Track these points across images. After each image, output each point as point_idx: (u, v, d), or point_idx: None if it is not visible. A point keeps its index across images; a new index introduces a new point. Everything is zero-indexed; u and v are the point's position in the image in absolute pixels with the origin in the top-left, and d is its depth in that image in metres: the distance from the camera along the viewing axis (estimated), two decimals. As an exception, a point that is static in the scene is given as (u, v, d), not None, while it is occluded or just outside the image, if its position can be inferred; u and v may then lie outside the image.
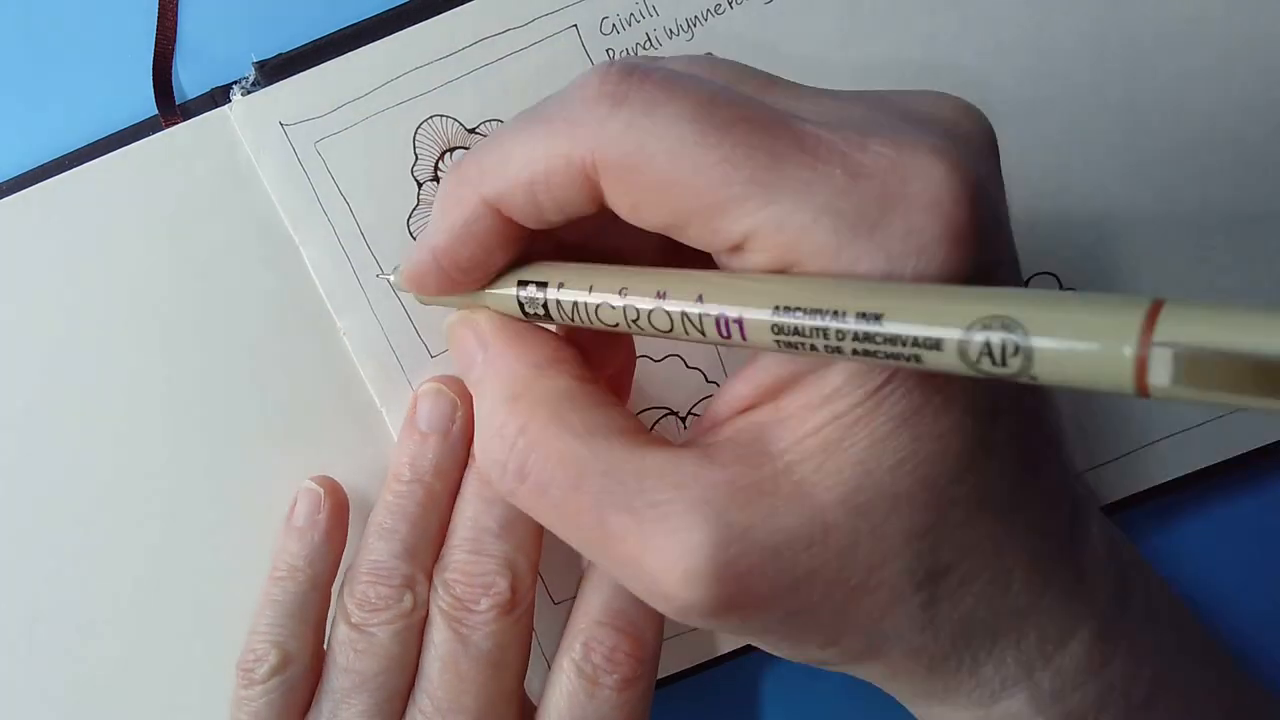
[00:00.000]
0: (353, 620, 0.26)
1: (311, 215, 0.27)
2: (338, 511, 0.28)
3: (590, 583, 0.26)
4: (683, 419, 0.29)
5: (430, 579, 0.27)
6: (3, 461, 0.29)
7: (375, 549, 0.26)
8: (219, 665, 0.28)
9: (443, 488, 0.27)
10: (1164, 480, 0.29)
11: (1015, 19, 0.26)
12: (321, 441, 0.29)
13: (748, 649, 0.30)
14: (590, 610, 0.26)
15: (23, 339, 0.28)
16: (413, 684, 0.27)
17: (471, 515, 0.26)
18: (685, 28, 0.26)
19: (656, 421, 0.29)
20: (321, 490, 0.28)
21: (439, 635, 0.26)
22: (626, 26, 0.26)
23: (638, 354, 0.28)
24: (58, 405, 0.28)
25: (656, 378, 0.29)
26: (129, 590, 0.29)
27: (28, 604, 0.29)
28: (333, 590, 0.28)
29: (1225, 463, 0.29)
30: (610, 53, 0.26)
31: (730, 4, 0.26)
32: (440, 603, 0.26)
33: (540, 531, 0.26)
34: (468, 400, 0.27)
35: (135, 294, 0.28)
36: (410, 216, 0.27)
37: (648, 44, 0.26)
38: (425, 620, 0.26)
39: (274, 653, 0.27)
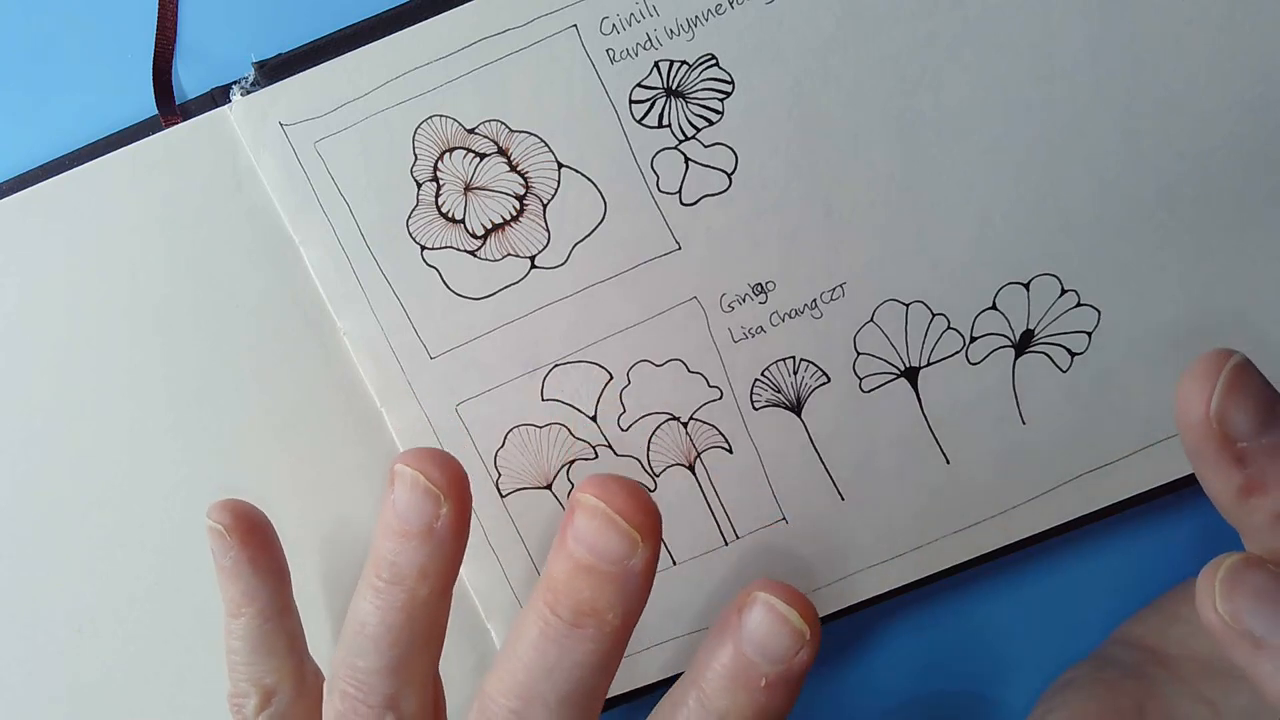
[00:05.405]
0: None
1: (311, 215, 0.27)
2: (250, 541, 0.26)
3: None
4: (684, 424, 0.29)
5: (422, 688, 0.24)
6: (2, 461, 0.29)
7: (356, 650, 0.24)
8: (219, 666, 0.28)
9: (429, 592, 0.24)
10: (1173, 479, 0.29)
11: (1016, 19, 0.26)
12: (321, 441, 0.29)
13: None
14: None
15: (23, 339, 0.28)
16: None
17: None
18: (685, 28, 0.26)
19: (658, 427, 0.29)
20: (221, 526, 0.26)
21: None
22: (626, 26, 0.26)
23: (640, 357, 0.28)
24: (58, 405, 0.28)
25: (659, 383, 0.28)
26: (129, 590, 0.29)
27: (28, 604, 0.29)
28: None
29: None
30: (610, 53, 0.26)
31: (731, 4, 0.26)
32: None
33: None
34: (457, 489, 0.23)
35: (135, 294, 0.28)
36: (410, 216, 0.27)
37: (648, 44, 0.26)
38: None
39: (254, 691, 0.27)
